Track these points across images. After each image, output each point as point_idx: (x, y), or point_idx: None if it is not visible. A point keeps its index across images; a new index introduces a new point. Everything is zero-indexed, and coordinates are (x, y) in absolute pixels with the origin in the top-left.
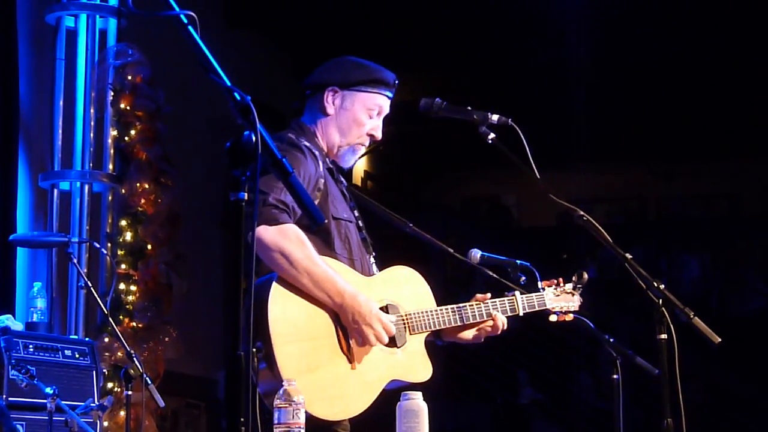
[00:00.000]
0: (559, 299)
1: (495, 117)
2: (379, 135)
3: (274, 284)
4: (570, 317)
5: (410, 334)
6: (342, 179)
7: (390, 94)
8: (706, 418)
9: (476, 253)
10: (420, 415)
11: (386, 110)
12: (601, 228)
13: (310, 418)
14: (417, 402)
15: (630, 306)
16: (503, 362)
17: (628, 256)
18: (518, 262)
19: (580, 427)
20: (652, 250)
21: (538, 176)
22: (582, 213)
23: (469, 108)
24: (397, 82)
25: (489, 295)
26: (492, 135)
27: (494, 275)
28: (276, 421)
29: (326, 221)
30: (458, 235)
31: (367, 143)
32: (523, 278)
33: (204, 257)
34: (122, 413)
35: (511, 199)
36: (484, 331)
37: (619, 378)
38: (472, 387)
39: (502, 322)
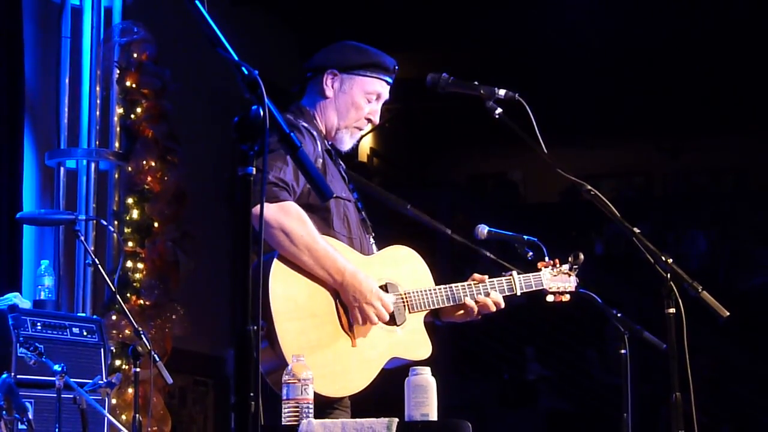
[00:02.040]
0: (556, 279)
1: (502, 92)
2: (377, 120)
3: (276, 262)
4: (566, 298)
5: (409, 312)
6: (340, 161)
7: (389, 80)
8: (714, 393)
9: (483, 229)
10: (429, 390)
11: (385, 96)
12: (608, 202)
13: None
14: (425, 377)
15: (637, 281)
16: (510, 338)
17: (636, 230)
18: (525, 237)
19: (587, 402)
20: (659, 225)
21: (546, 151)
22: (589, 187)
23: (476, 83)
24: (396, 67)
25: (486, 276)
26: (499, 110)
27: (493, 256)
28: (285, 397)
29: (333, 196)
30: (465, 211)
31: (365, 127)
32: (531, 253)
33: (210, 235)
34: (130, 390)
35: (517, 175)
36: (481, 310)
37: (627, 353)
38: (479, 363)
39: (497, 301)
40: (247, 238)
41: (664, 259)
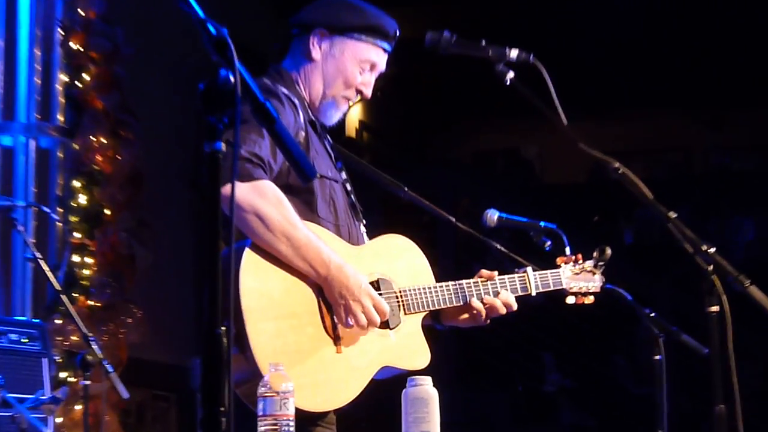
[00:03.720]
0: (578, 278)
1: (514, 53)
2: (368, 92)
3: (247, 251)
4: (590, 300)
5: (405, 314)
6: (327, 135)
7: (388, 47)
8: (764, 406)
9: (493, 215)
10: (429, 403)
11: (381, 67)
12: (639, 183)
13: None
14: (426, 389)
15: (674, 274)
16: (525, 343)
17: (672, 215)
18: (542, 224)
19: (616, 417)
20: (699, 209)
21: (565, 123)
22: (617, 165)
23: (483, 43)
24: (398, 33)
25: (496, 272)
26: (510, 74)
27: (503, 248)
28: (261, 413)
29: (316, 176)
30: (471, 194)
31: (354, 99)
32: (549, 243)
33: (172, 223)
34: (79, 407)
35: (532, 152)
36: (489, 312)
37: (662, 359)
38: (488, 372)
39: (508, 302)
40: (215, 225)
41: (705, 248)
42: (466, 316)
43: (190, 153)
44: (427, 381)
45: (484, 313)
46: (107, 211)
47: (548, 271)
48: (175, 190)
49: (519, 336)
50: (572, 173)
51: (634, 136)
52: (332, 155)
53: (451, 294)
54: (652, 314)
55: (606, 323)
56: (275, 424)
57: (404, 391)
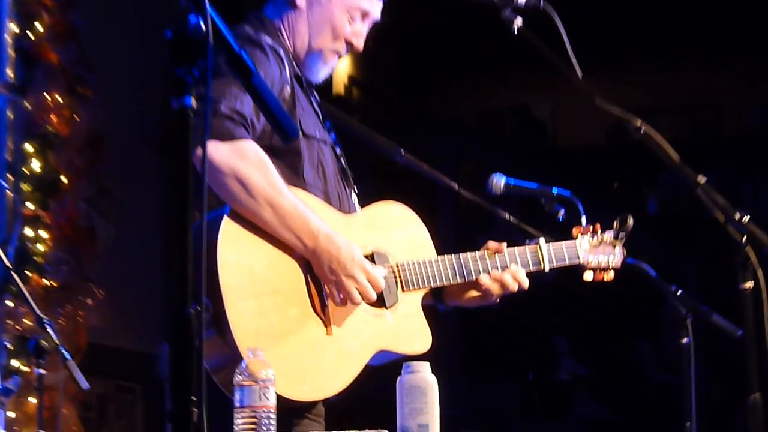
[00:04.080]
0: (596, 251)
1: None
2: (360, 44)
3: (226, 220)
4: (610, 276)
5: (403, 291)
6: (314, 92)
7: None
8: None
9: (499, 180)
10: (428, 392)
11: (375, 15)
12: (665, 144)
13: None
14: (423, 376)
15: (704, 247)
16: (536, 326)
17: (701, 180)
18: (555, 190)
19: (637, 409)
20: (732, 173)
21: (581, 77)
22: (639, 124)
23: None
24: None
25: (504, 245)
26: (519, 22)
27: (512, 218)
28: (238, 404)
29: (298, 135)
30: (475, 158)
31: (343, 52)
32: (562, 212)
33: (137, 192)
34: (33, 399)
35: (544, 110)
36: (498, 290)
37: (690, 342)
38: (495, 359)
39: (519, 278)
40: (185, 191)
41: (738, 217)
42: (472, 294)
43: (158, 111)
44: (424, 367)
45: (492, 289)
46: (64, 179)
47: (563, 243)
48: (140, 154)
49: (529, 318)
50: (589, 134)
51: (658, 93)
52: (320, 114)
53: (454, 269)
54: (679, 292)
55: (627, 303)
56: (254, 417)
57: (399, 378)
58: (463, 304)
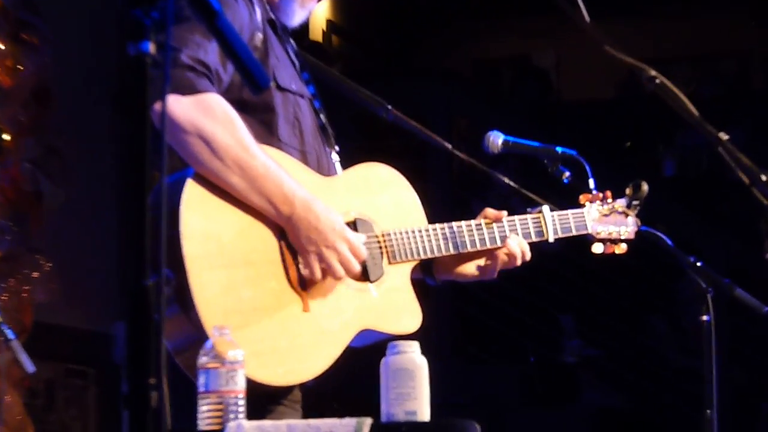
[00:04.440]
0: (607, 221)
1: None
2: None
3: (190, 183)
4: (622, 248)
5: (389, 263)
6: (289, 39)
7: None
8: None
9: (497, 138)
10: (416, 375)
11: None
12: (683, 98)
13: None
14: (411, 357)
15: (726, 214)
16: (538, 302)
17: (724, 138)
18: (559, 150)
19: (652, 395)
20: (758, 130)
21: (588, 21)
22: (654, 74)
23: None
24: None
25: (504, 213)
26: None
27: (511, 182)
28: (202, 389)
29: (270, 86)
30: (470, 114)
31: None
32: (567, 174)
33: (89, 152)
34: None
35: (547, 60)
36: (497, 262)
37: (711, 320)
38: (493, 340)
39: (520, 250)
40: (143, 151)
41: (765, 179)
42: (466, 268)
43: (112, 60)
44: (413, 347)
45: (490, 262)
46: (6, 137)
47: (569, 211)
48: (93, 109)
49: (531, 293)
50: (597, 87)
51: (676, 40)
52: (297, 64)
53: (447, 239)
54: (699, 263)
55: (640, 276)
56: (220, 403)
57: (384, 359)
58: (456, 278)
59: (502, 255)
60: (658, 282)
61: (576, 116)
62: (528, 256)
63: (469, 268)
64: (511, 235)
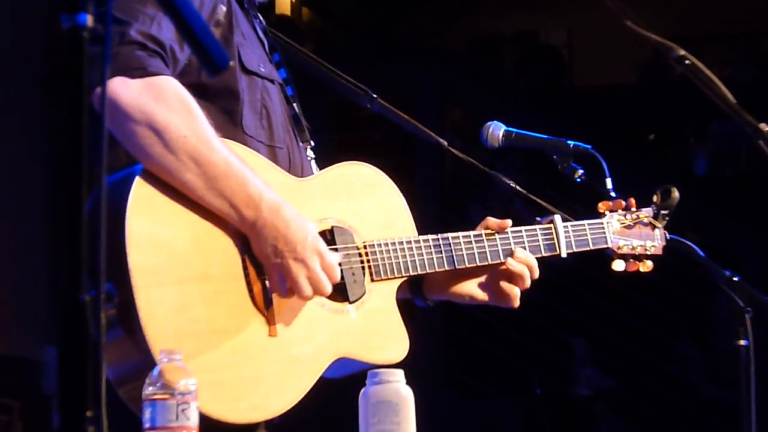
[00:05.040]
0: (630, 234)
1: None
2: None
3: (138, 182)
4: (647, 266)
5: (372, 280)
6: (257, 14)
7: None
8: None
9: (497, 130)
10: (401, 409)
11: None
12: (717, 82)
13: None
14: (395, 388)
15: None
16: (545, 324)
17: (765, 128)
18: (570, 143)
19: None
20: None
21: None
22: (683, 53)
23: None
24: None
25: (509, 222)
26: None
27: (517, 186)
28: (147, 424)
29: (231, 65)
30: (466, 101)
31: None
32: (581, 172)
33: (13, 145)
34: None
35: (558, 37)
36: (499, 284)
37: (749, 345)
38: (493, 369)
39: (527, 265)
40: (80, 143)
41: None
42: (462, 287)
43: (42, 36)
44: (397, 376)
45: (498, 282)
46: None
47: (585, 222)
48: (20, 93)
49: (537, 313)
50: (616, 69)
51: (709, 15)
52: (266, 44)
53: (441, 253)
54: (736, 278)
55: (667, 293)
56: None
57: (363, 391)
58: (450, 298)
59: (507, 273)
60: (687, 300)
61: (591, 104)
62: (536, 274)
63: (468, 288)
64: (517, 249)
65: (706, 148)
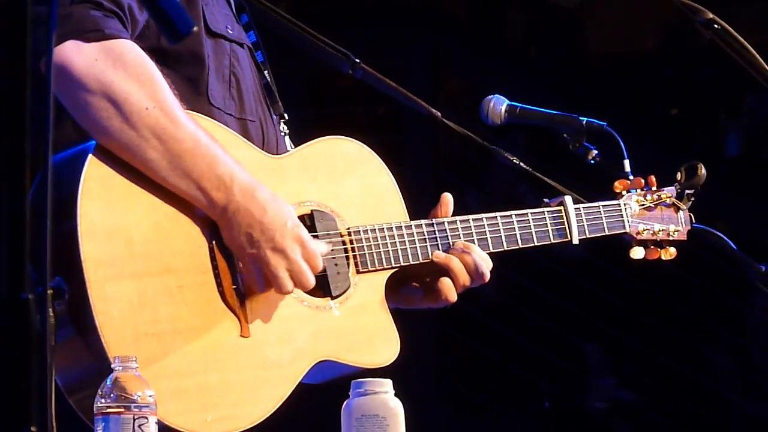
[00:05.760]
0: (650, 217)
1: None
2: None
3: (92, 161)
4: (670, 253)
5: (357, 272)
6: None
7: None
8: None
9: (499, 104)
10: (389, 424)
11: None
12: (750, 49)
13: (162, 430)
14: (383, 399)
15: None
16: (555, 328)
17: None
18: (583, 119)
19: None
20: None
21: None
22: (711, 17)
23: None
24: None
25: (448, 195)
26: None
27: (521, 163)
28: None
29: (194, 30)
30: (463, 70)
31: None
32: (594, 152)
33: None
34: None
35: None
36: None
37: None
38: (494, 378)
39: (476, 263)
40: (22, 116)
41: None
42: (410, 288)
43: None
44: (385, 386)
45: (485, 274)
46: None
47: (600, 204)
48: None
49: (546, 316)
50: (635, 34)
51: None
52: (233, 4)
53: (435, 240)
54: None
55: (694, 291)
56: None
57: (346, 403)
58: (399, 304)
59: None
60: (717, 299)
61: (606, 75)
62: (486, 276)
63: (412, 289)
64: (456, 243)
65: (738, 125)
